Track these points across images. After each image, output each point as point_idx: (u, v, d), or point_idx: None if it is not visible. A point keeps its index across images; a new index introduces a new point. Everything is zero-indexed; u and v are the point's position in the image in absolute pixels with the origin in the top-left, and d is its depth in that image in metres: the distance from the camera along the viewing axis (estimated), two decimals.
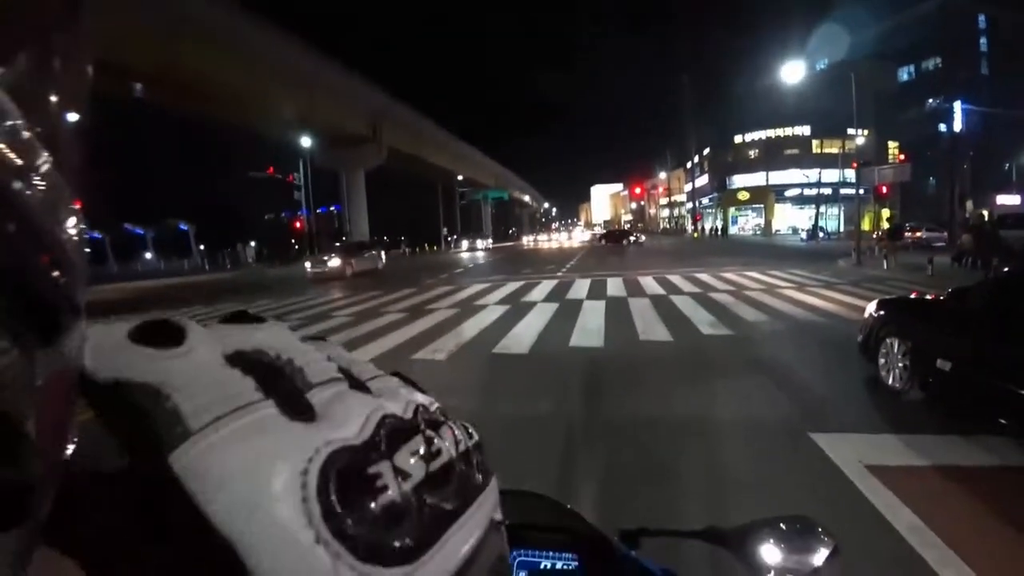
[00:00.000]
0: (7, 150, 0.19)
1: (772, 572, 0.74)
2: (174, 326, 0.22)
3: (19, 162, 0.17)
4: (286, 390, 0.22)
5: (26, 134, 0.15)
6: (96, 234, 49.21)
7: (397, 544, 0.20)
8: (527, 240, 73.15)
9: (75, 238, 0.19)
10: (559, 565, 0.80)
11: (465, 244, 53.83)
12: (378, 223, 43.66)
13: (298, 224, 44.60)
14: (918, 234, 26.23)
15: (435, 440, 0.24)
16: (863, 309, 5.31)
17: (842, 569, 0.73)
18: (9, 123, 0.19)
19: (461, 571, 0.21)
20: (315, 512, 0.19)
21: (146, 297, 18.95)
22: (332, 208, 66.51)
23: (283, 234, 65.49)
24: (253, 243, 59.21)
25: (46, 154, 0.22)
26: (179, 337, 0.21)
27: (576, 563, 0.79)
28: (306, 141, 32.78)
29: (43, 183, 0.18)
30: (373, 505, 0.20)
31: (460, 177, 61.32)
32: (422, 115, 48.56)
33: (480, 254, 36.47)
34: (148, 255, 51.93)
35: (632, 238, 46.42)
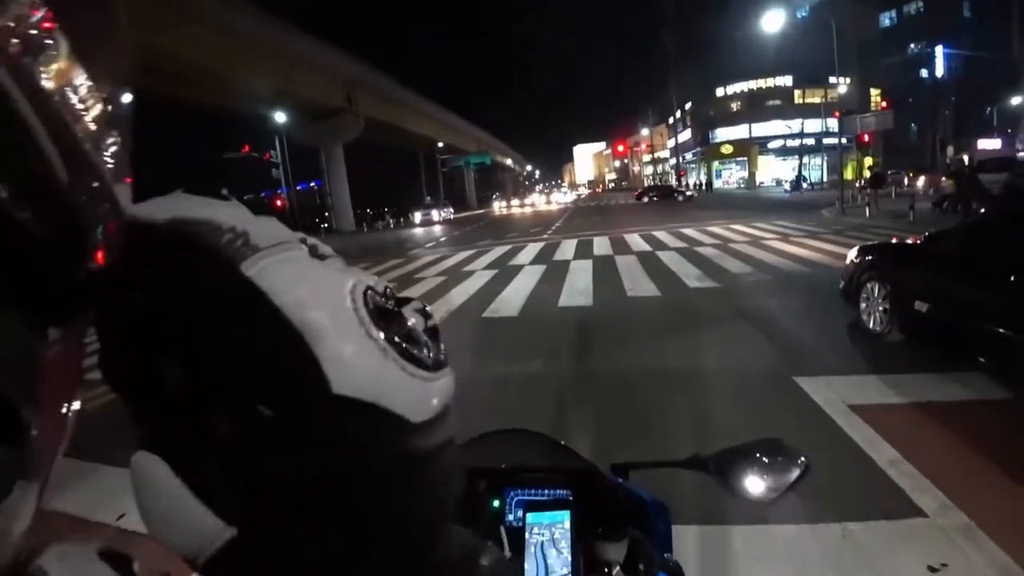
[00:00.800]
0: (92, 124, 0.23)
1: (752, 492, 0.80)
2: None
3: (96, 136, 0.25)
4: (311, 244, 0.28)
5: (98, 110, 0.25)
6: None
7: (425, 355, 0.27)
8: (499, 207, 61.06)
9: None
10: (554, 499, 0.86)
11: (418, 217, 43.18)
12: (361, 195, 43.15)
13: (279, 202, 43.83)
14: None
15: (424, 308, 0.30)
16: (846, 257, 5.41)
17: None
18: (89, 100, 0.22)
19: (448, 407, 0.27)
20: (364, 316, 0.24)
21: None
22: (312, 184, 65.54)
23: (263, 214, 64.39)
24: None
25: (114, 132, 0.25)
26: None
27: (570, 496, 0.85)
28: (281, 117, 31.94)
29: (111, 159, 0.27)
30: (402, 327, 0.27)
31: (441, 144, 60.27)
32: (398, 83, 47.45)
33: (437, 229, 32.31)
34: None
35: (687, 192, 40.98)
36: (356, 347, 0.23)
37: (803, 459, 0.83)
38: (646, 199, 39.77)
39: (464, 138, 70.52)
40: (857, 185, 22.64)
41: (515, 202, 65.19)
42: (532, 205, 59.30)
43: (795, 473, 0.81)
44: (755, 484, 0.81)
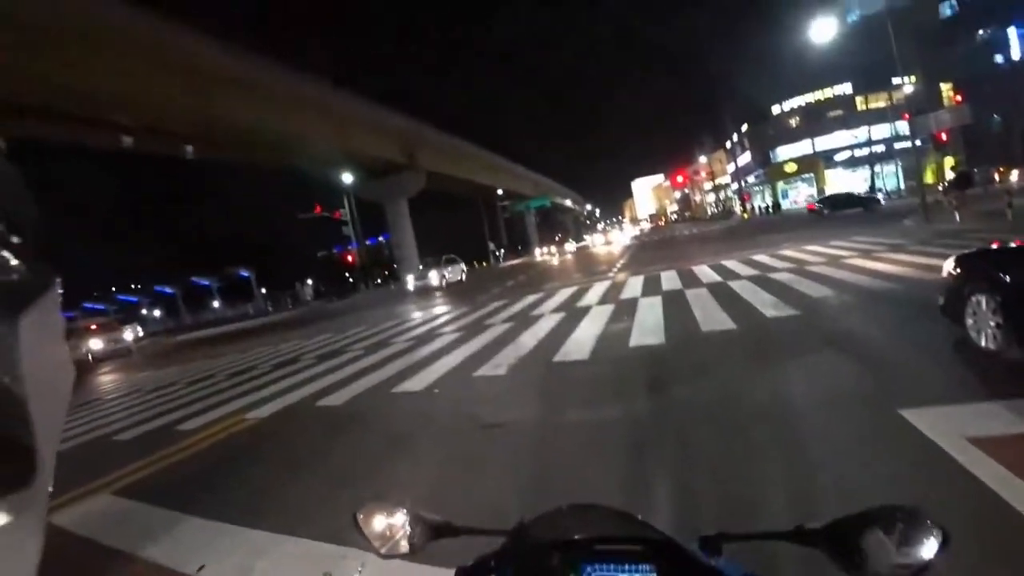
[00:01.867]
0: None
1: (874, 571, 0.68)
2: None
3: None
4: None
5: None
6: (169, 290, 52.53)
7: None
8: (540, 253, 51.65)
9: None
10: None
11: (411, 283, 30.10)
12: (427, 246, 44.38)
13: (349, 258, 46.10)
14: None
15: None
16: (939, 269, 4.96)
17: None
18: None
19: None
20: None
21: (219, 340, 19.81)
22: (380, 238, 68.32)
23: (336, 269, 67.82)
24: (310, 281, 61.56)
25: None
26: None
27: (654, 573, 0.76)
28: (347, 177, 33.86)
29: None
30: None
31: (500, 191, 61.61)
32: (454, 135, 49.27)
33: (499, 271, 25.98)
34: (215, 303, 54.91)
35: (875, 197, 31.04)
36: None
37: (940, 530, 0.69)
38: (826, 211, 30.57)
39: (522, 182, 71.82)
40: (940, 188, 21.14)
41: (562, 246, 56.39)
42: (587, 247, 54.41)
43: (930, 547, 0.67)
44: (879, 562, 0.68)
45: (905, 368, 4.30)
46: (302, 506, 3.68)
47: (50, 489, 0.50)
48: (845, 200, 31.02)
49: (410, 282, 29.65)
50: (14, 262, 0.48)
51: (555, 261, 37.48)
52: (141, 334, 21.47)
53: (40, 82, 18.12)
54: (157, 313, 53.61)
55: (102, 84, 19.71)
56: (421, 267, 32.08)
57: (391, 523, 0.95)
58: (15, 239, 0.49)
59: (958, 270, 4.52)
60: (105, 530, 3.90)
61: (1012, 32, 36.73)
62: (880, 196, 33.11)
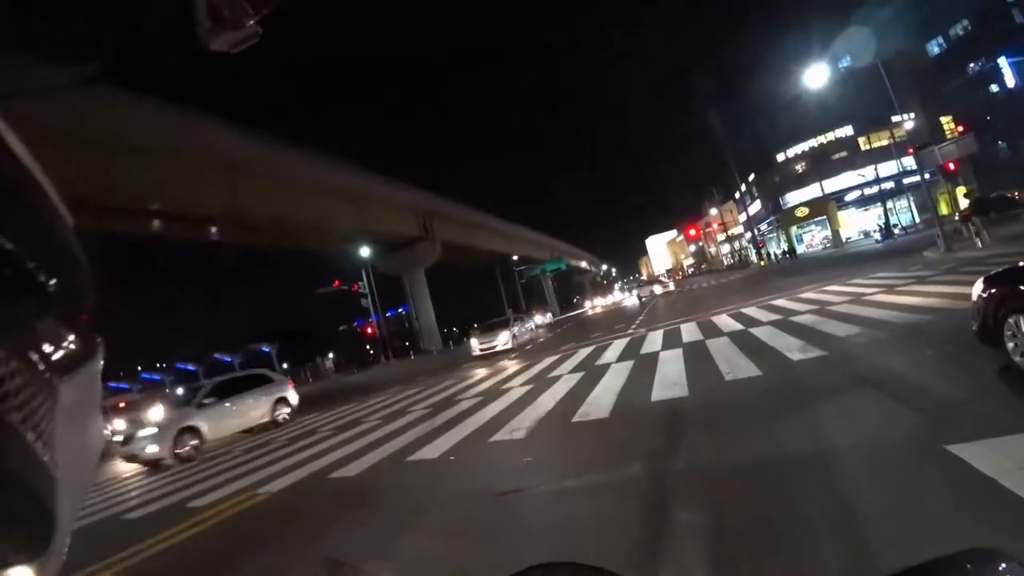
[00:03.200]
0: None
1: None
2: None
3: None
4: None
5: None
6: (191, 367, 53.04)
7: None
8: (541, 320, 43.65)
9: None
10: None
11: (475, 346, 23.56)
12: (446, 315, 44.61)
13: (369, 330, 46.35)
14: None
15: None
16: (968, 296, 4.71)
17: None
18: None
19: None
20: None
21: None
22: (400, 310, 68.97)
23: (357, 342, 68.19)
24: (331, 354, 61.79)
25: None
26: None
27: None
28: (365, 251, 34.56)
29: None
30: None
31: (515, 257, 62.32)
32: (469, 206, 50.51)
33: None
34: None
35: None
36: None
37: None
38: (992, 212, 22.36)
39: (536, 248, 72.76)
40: (957, 217, 20.85)
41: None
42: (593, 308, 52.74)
43: None
44: None
45: (947, 400, 3.98)
46: None
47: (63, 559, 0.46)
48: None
49: (475, 346, 23.25)
50: (63, 328, 0.51)
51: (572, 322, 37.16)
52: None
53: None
54: (180, 391, 54.03)
55: (135, 179, 21.05)
56: (477, 328, 28.45)
57: None
58: (67, 305, 0.48)
59: (990, 291, 4.27)
60: None
61: (1003, 61, 37.36)
62: (896, 230, 32.45)
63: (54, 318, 0.48)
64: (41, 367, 0.45)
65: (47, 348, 0.47)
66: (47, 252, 0.46)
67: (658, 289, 44.27)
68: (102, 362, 0.59)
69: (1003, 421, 3.33)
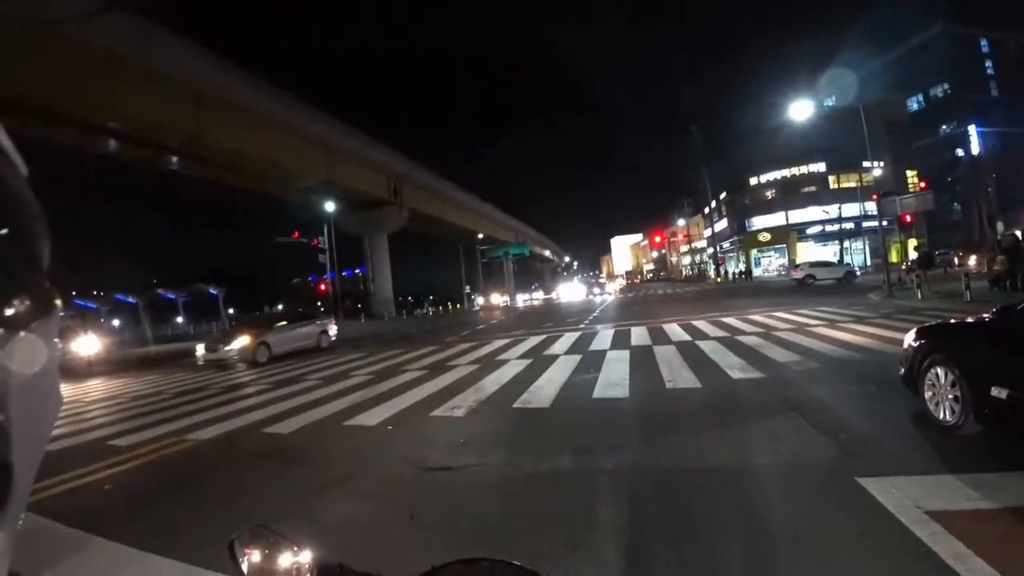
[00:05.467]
0: None
1: None
2: None
3: None
4: None
5: None
6: (131, 299, 50.70)
7: None
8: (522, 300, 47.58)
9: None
10: None
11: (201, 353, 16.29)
12: (403, 284, 44.09)
13: (323, 287, 45.45)
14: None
15: None
16: (901, 341, 4.99)
17: None
18: None
19: None
20: None
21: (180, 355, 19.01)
22: (357, 271, 67.79)
23: (309, 296, 66.74)
24: (280, 306, 60.22)
25: None
26: None
27: None
28: (330, 206, 33.72)
29: None
30: None
31: (480, 236, 61.98)
32: (441, 177, 49.79)
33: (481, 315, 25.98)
34: (179, 319, 53.11)
35: None
36: None
37: None
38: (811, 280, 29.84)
39: (503, 230, 72.44)
40: (904, 267, 21.89)
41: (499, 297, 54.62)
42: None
43: None
44: None
45: (865, 436, 4.24)
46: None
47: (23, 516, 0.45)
48: (827, 266, 32.69)
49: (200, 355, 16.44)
50: (15, 285, 0.49)
51: (525, 308, 37.38)
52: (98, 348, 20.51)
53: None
54: (116, 323, 51.39)
55: (91, 85, 19.62)
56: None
57: (275, 558, 0.79)
58: (20, 262, 0.44)
59: (919, 342, 4.54)
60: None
61: (972, 129, 39.22)
62: (856, 270, 34.42)
63: (5, 272, 0.46)
64: None
65: None
66: None
67: (610, 288, 44.55)
68: (59, 316, 0.58)
69: (910, 463, 3.60)
